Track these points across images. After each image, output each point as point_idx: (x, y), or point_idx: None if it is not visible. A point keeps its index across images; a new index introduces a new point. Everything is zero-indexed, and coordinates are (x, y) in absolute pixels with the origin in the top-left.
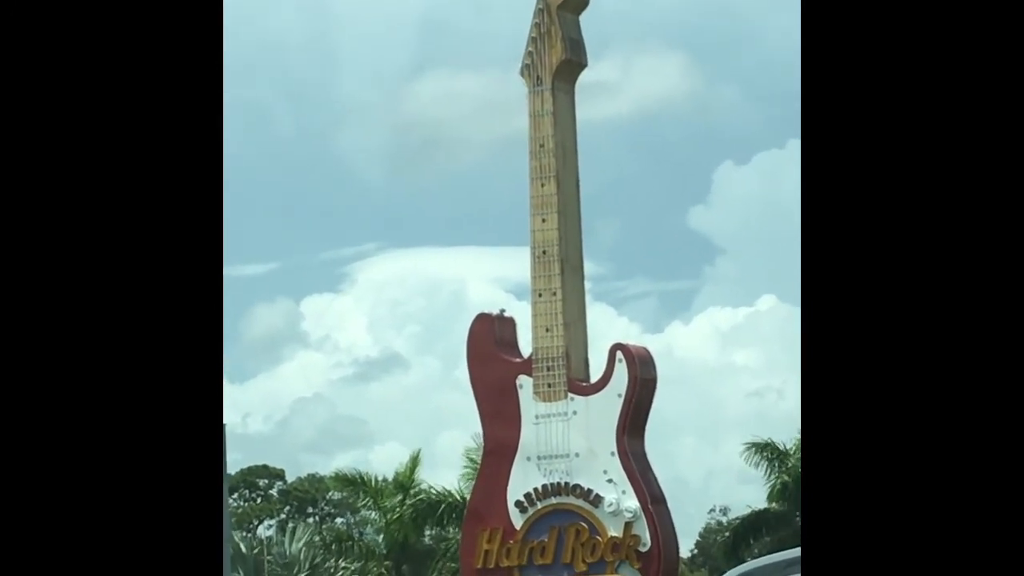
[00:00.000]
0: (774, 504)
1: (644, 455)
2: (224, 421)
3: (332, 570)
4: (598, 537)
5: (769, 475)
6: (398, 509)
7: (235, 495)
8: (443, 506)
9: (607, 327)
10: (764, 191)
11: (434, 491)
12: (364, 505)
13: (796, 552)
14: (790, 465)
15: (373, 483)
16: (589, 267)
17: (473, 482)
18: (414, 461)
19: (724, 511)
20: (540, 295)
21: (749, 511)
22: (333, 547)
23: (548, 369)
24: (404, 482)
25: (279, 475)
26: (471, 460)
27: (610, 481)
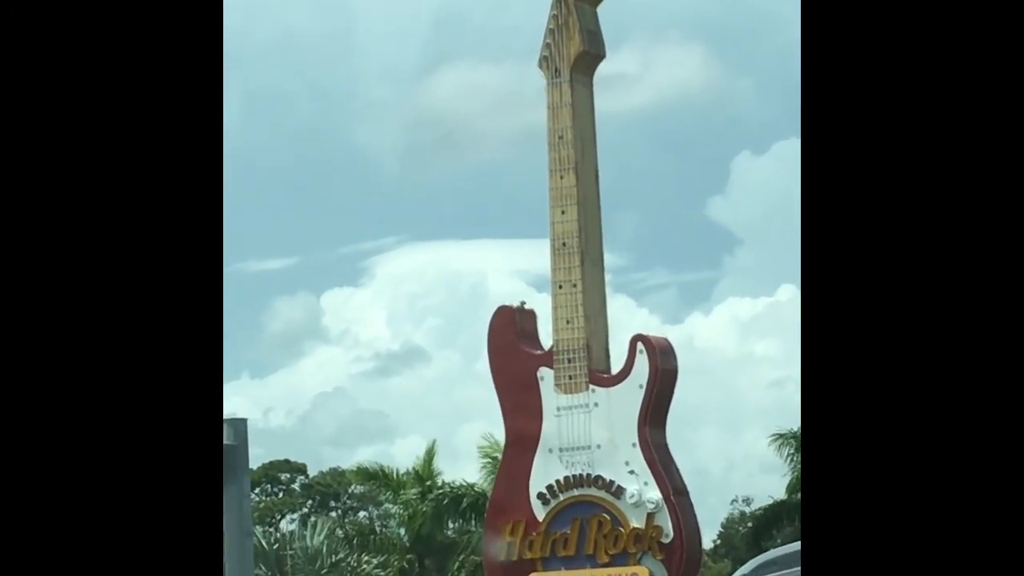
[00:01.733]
0: (796, 494)
1: (666, 446)
2: (246, 416)
3: (355, 564)
4: (620, 528)
5: (792, 465)
6: (420, 503)
7: (257, 490)
8: (465, 499)
9: (627, 319)
10: (782, 180)
11: (456, 484)
12: (387, 499)
13: None
14: None
15: (395, 477)
16: (609, 259)
17: (493, 476)
18: (430, 454)
19: (747, 501)
20: (560, 287)
21: (772, 501)
22: (355, 541)
23: (569, 361)
24: (422, 475)
25: (301, 469)
26: (486, 455)
27: (632, 472)
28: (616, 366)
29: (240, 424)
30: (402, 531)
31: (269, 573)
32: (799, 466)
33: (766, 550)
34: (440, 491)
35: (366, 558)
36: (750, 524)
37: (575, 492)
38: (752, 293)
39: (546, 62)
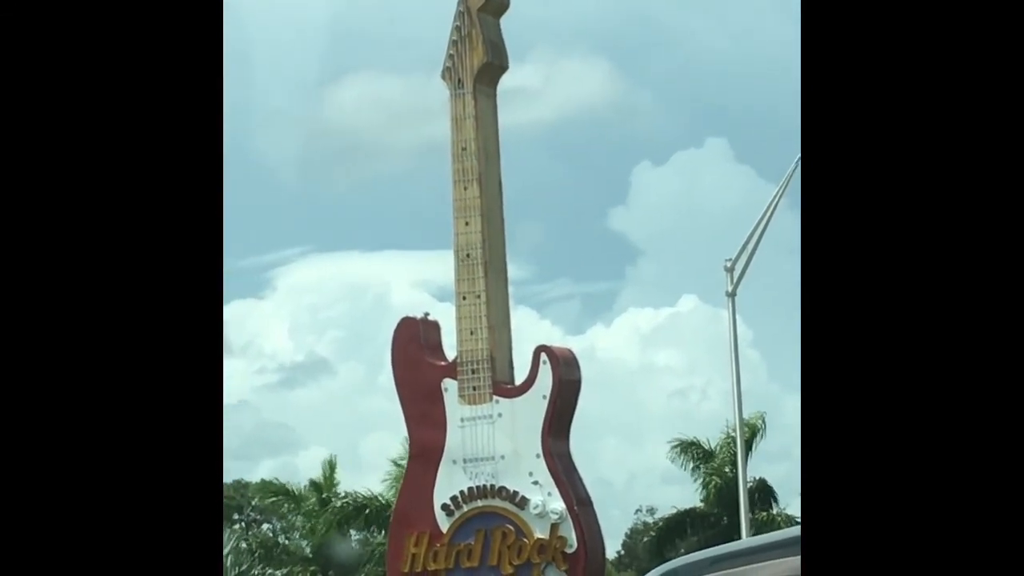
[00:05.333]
0: (699, 503)
1: (569, 456)
2: None
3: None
4: (524, 539)
5: (695, 475)
6: (321, 514)
7: None
8: (368, 510)
9: (530, 330)
10: (682, 190)
11: (360, 495)
12: (290, 510)
13: (720, 549)
14: (716, 464)
15: (297, 490)
16: (512, 270)
17: (399, 486)
18: (331, 466)
19: (650, 511)
20: (464, 298)
21: (675, 511)
22: (259, 553)
23: (473, 372)
24: (323, 487)
25: None
26: (396, 464)
27: (536, 483)
28: (520, 377)
29: None
30: (305, 543)
31: None
32: (702, 475)
33: (669, 559)
34: (343, 500)
35: (270, 571)
36: (653, 534)
37: (479, 503)
38: (653, 304)
39: (449, 73)
